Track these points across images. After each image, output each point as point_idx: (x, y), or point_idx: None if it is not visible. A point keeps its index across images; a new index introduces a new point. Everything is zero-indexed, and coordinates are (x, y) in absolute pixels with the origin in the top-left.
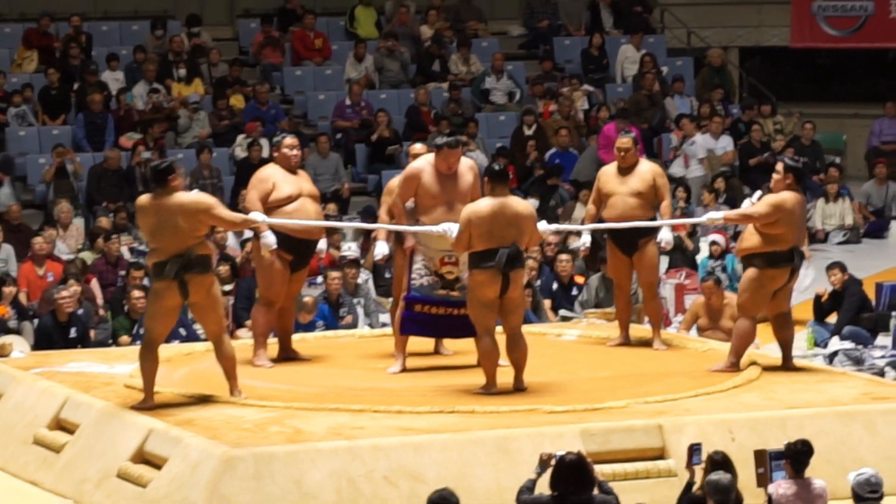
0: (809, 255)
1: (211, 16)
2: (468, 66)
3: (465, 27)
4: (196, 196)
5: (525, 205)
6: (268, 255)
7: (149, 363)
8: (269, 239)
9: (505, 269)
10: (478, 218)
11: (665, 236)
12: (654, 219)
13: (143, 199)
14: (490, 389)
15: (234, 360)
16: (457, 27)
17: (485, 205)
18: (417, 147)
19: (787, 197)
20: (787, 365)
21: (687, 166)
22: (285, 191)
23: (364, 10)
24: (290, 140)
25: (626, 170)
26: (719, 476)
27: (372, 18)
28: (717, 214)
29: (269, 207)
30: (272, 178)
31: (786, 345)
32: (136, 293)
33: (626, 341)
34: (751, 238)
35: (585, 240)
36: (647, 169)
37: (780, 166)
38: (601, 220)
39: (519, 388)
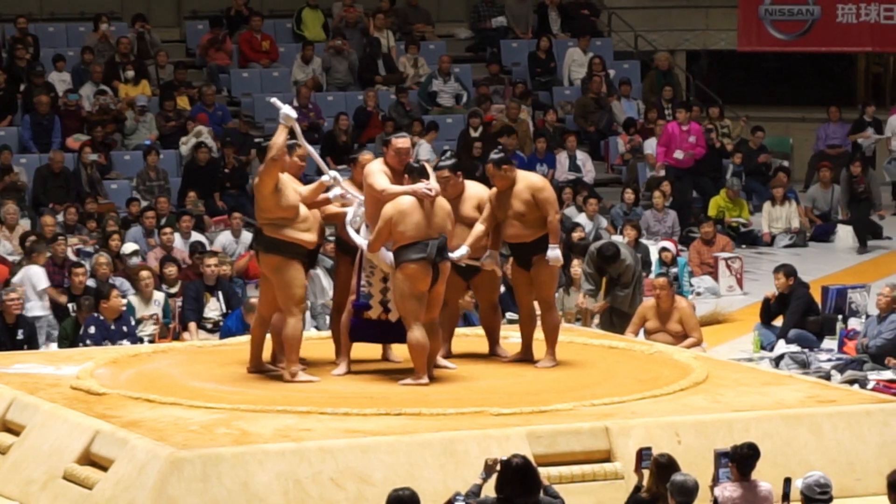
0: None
1: (158, 17)
2: (416, 68)
3: (413, 30)
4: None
5: (442, 199)
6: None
7: (256, 331)
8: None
9: (434, 261)
10: (399, 213)
11: (551, 254)
12: (543, 238)
13: None
14: (419, 380)
15: (296, 340)
16: (404, 30)
17: (407, 200)
18: (366, 156)
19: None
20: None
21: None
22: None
23: (311, 12)
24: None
25: (503, 192)
26: (684, 477)
27: (319, 21)
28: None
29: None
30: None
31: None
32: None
33: (528, 357)
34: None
35: (462, 252)
36: (523, 187)
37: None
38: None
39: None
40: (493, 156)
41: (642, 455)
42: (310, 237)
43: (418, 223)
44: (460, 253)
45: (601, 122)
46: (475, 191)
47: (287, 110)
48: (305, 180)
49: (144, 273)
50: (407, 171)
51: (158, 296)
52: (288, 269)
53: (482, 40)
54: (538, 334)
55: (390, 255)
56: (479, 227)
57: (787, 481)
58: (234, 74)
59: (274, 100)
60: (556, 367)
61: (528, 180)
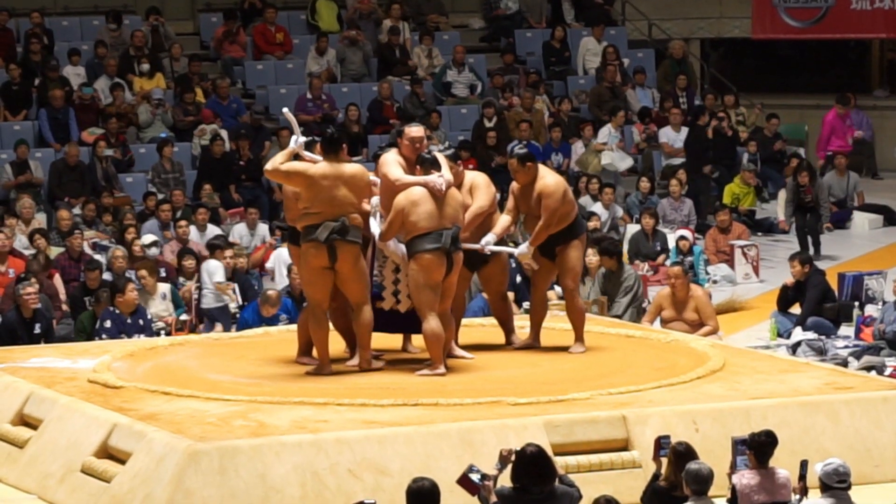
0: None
1: (171, 10)
2: (430, 59)
3: (427, 20)
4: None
5: (455, 189)
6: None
7: (315, 329)
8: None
9: (449, 251)
10: (411, 203)
11: (519, 250)
12: (566, 230)
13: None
14: (437, 370)
15: (370, 329)
16: (418, 20)
17: (419, 190)
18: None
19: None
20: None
21: None
22: None
23: (325, 3)
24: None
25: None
26: (699, 465)
27: (333, 12)
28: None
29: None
30: None
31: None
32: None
33: (535, 343)
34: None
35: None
36: (539, 187)
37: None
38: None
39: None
40: (518, 151)
41: (661, 443)
42: None
43: (430, 213)
44: (500, 247)
45: (616, 111)
46: (469, 177)
47: (301, 139)
48: None
49: (142, 272)
50: (419, 161)
51: (164, 287)
52: (363, 259)
53: (496, 30)
54: (557, 323)
55: (402, 247)
56: (505, 218)
57: (804, 464)
58: (249, 67)
59: (285, 111)
60: (572, 356)
61: (542, 182)
